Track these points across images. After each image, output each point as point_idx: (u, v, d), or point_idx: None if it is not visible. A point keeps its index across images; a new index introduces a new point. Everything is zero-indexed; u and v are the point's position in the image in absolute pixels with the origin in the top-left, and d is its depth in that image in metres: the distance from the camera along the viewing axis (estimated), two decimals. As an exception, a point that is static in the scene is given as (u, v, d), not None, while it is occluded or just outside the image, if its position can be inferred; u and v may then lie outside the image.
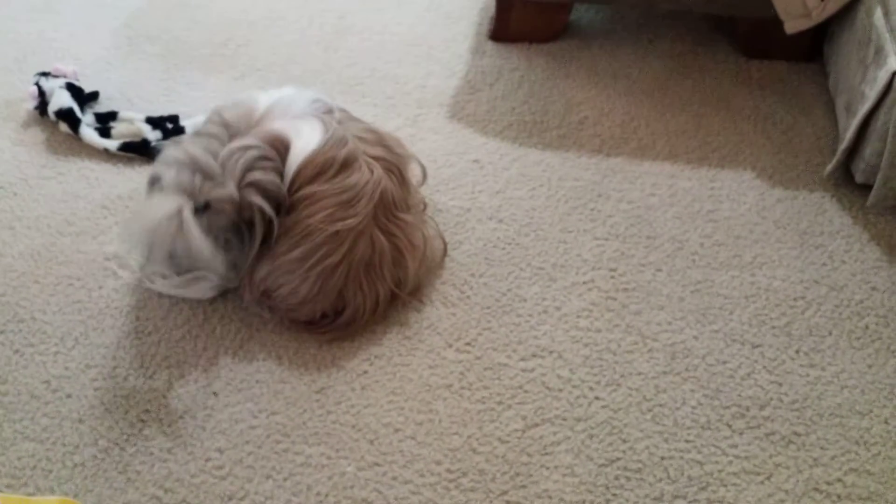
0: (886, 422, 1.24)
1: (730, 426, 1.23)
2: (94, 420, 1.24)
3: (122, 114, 1.71)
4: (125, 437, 1.22)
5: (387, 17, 2.05)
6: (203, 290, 1.36)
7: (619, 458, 1.20)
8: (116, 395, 1.27)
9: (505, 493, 1.16)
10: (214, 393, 1.27)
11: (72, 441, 1.21)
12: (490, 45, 1.95)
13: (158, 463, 1.19)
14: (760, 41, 1.86)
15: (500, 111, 1.77)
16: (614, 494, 1.16)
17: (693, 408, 1.26)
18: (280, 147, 1.32)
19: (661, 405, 1.26)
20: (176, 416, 1.24)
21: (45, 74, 1.74)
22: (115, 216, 1.53)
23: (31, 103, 1.72)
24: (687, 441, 1.22)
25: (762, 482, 1.18)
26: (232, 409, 1.25)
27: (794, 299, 1.40)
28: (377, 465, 1.19)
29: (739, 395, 1.27)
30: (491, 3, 2.03)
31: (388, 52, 1.94)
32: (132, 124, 1.68)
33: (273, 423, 1.23)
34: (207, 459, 1.19)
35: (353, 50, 1.94)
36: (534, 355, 1.32)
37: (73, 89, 1.71)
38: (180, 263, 1.32)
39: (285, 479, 1.17)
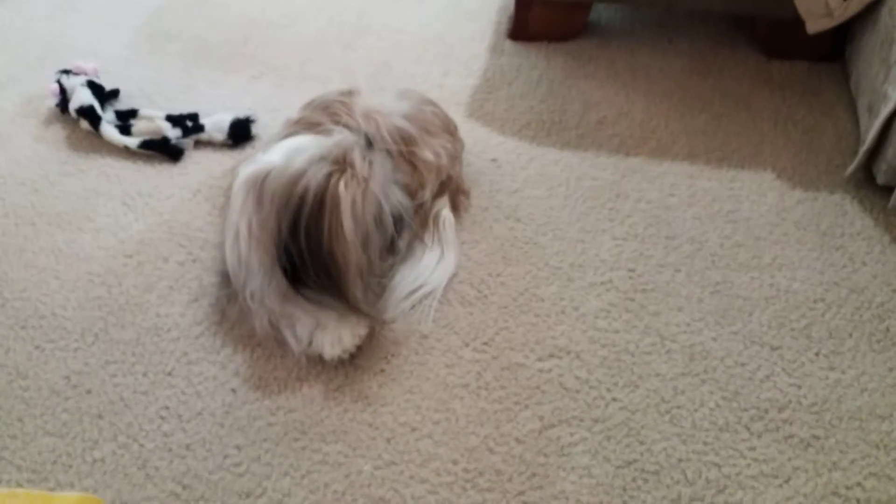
0: (907, 426, 1.23)
1: (748, 429, 1.23)
2: (113, 416, 1.25)
3: (143, 111, 1.72)
4: (144, 433, 1.22)
5: (405, 16, 2.05)
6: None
7: (636, 460, 1.19)
8: (136, 391, 1.27)
9: (521, 493, 1.16)
10: (233, 390, 1.28)
11: (91, 436, 1.22)
12: (508, 44, 1.95)
13: (177, 459, 1.19)
14: (781, 41, 1.85)
15: (519, 110, 1.77)
16: (631, 496, 1.16)
17: (711, 410, 1.25)
18: None
19: (679, 407, 1.25)
20: (194, 413, 1.25)
21: (66, 72, 1.75)
22: (135, 213, 1.54)
23: (53, 100, 1.73)
24: (705, 443, 1.21)
25: (780, 485, 1.17)
26: (250, 406, 1.26)
27: (814, 301, 1.39)
28: (394, 463, 1.19)
29: (758, 398, 1.26)
30: (510, 2, 2.02)
31: (406, 50, 1.94)
32: (152, 122, 1.68)
33: (291, 421, 1.24)
34: (225, 456, 1.20)
35: (372, 49, 1.95)
36: (551, 355, 1.32)
37: (94, 87, 1.72)
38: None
39: (303, 477, 1.18)
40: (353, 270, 1.24)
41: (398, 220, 1.31)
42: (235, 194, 1.28)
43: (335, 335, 1.28)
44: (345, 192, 1.21)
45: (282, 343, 1.31)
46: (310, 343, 1.29)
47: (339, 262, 1.23)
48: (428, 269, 1.42)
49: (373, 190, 1.23)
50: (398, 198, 1.31)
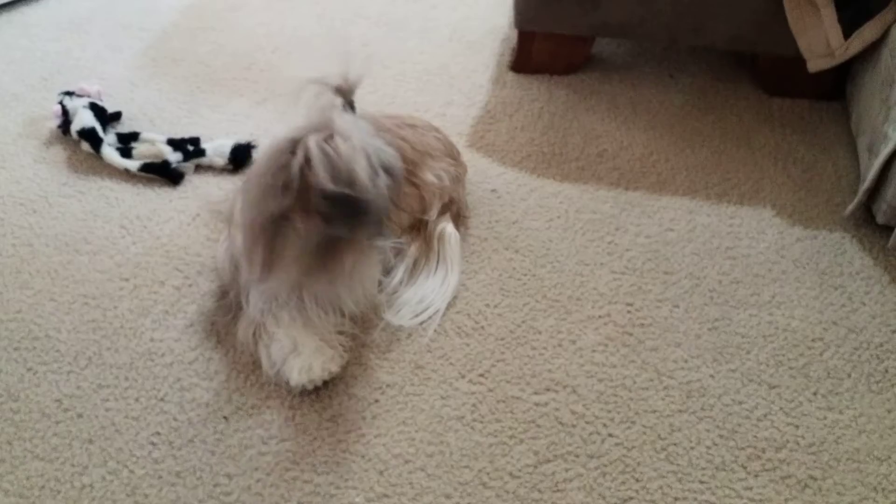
0: (906, 469, 1.22)
1: (745, 468, 1.21)
2: (104, 441, 1.23)
3: (144, 134, 1.73)
4: (134, 459, 1.21)
5: (409, 46, 2.06)
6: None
7: (631, 498, 1.18)
8: (127, 416, 1.26)
9: (515, 529, 1.15)
10: (225, 417, 1.26)
11: (81, 461, 1.21)
12: (511, 76, 1.96)
13: (167, 487, 1.18)
14: (783, 79, 1.86)
15: (519, 142, 1.77)
16: (626, 534, 1.14)
17: (708, 448, 1.24)
18: None
19: (675, 444, 1.24)
20: (186, 440, 1.23)
21: (69, 93, 1.76)
22: (133, 236, 1.54)
23: (55, 122, 1.74)
24: (701, 482, 1.20)
25: (777, 527, 1.15)
26: (242, 434, 1.24)
27: (813, 340, 1.38)
28: (386, 496, 1.18)
29: (755, 437, 1.25)
30: (513, 34, 2.04)
31: (410, 80, 1.95)
32: (153, 145, 1.69)
33: (283, 451, 1.22)
34: (216, 485, 1.18)
35: (375, 77, 1.95)
36: (547, 389, 1.31)
37: (96, 109, 1.72)
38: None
39: (293, 508, 1.16)
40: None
41: (389, 170, 1.25)
42: (234, 200, 1.32)
43: (306, 363, 1.27)
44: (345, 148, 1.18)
45: (256, 362, 1.31)
46: (281, 368, 1.29)
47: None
48: (433, 291, 1.43)
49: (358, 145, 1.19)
50: (385, 150, 1.26)
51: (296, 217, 1.21)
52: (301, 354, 1.27)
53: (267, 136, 1.76)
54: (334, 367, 1.28)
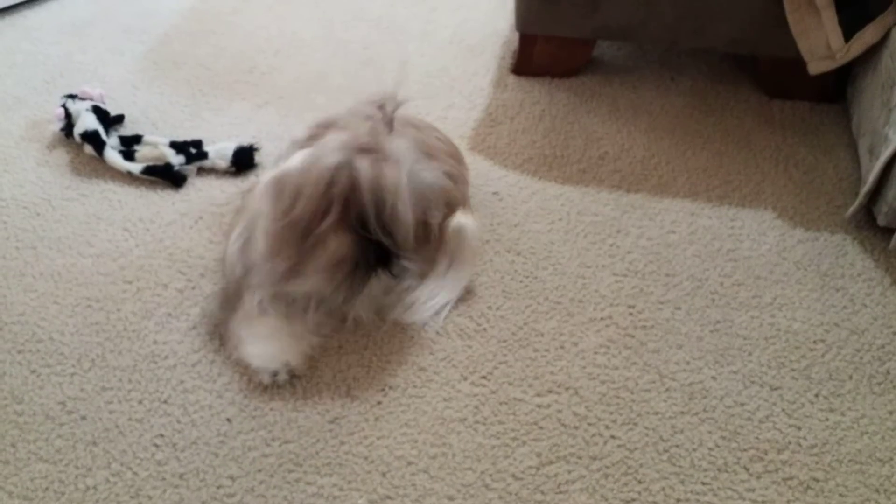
0: (907, 470, 1.22)
1: (747, 469, 1.22)
2: (107, 443, 1.24)
3: (147, 137, 1.73)
4: (138, 461, 1.21)
5: (410, 49, 2.07)
6: None
7: (634, 499, 1.18)
8: (131, 418, 1.27)
9: (517, 530, 1.15)
10: (228, 419, 1.27)
11: (85, 463, 1.21)
12: (512, 79, 1.96)
13: (170, 489, 1.18)
14: (783, 81, 1.86)
15: (521, 144, 1.77)
16: (628, 536, 1.15)
17: (710, 449, 1.24)
18: None
19: (677, 446, 1.24)
20: (189, 442, 1.24)
21: (71, 97, 1.76)
22: (136, 238, 1.54)
23: (58, 125, 1.74)
24: (703, 483, 1.20)
25: (779, 528, 1.16)
26: (245, 436, 1.25)
27: (814, 342, 1.39)
28: (389, 498, 1.18)
29: (757, 438, 1.25)
30: (514, 37, 2.04)
31: (410, 83, 1.95)
32: (156, 148, 1.69)
33: (286, 452, 1.23)
34: (219, 487, 1.19)
35: (376, 80, 1.96)
36: (550, 391, 1.31)
37: (99, 112, 1.73)
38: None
39: (296, 510, 1.16)
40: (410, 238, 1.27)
41: (435, 192, 1.31)
42: (259, 201, 1.30)
43: (266, 349, 1.29)
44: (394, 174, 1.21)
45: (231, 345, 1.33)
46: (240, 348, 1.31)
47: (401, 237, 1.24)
48: (442, 286, 1.43)
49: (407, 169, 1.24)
50: (430, 172, 1.31)
51: (329, 233, 1.21)
52: (261, 340, 1.29)
53: (272, 138, 1.76)
54: (294, 361, 1.30)
